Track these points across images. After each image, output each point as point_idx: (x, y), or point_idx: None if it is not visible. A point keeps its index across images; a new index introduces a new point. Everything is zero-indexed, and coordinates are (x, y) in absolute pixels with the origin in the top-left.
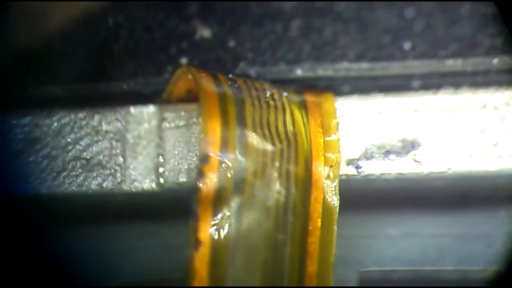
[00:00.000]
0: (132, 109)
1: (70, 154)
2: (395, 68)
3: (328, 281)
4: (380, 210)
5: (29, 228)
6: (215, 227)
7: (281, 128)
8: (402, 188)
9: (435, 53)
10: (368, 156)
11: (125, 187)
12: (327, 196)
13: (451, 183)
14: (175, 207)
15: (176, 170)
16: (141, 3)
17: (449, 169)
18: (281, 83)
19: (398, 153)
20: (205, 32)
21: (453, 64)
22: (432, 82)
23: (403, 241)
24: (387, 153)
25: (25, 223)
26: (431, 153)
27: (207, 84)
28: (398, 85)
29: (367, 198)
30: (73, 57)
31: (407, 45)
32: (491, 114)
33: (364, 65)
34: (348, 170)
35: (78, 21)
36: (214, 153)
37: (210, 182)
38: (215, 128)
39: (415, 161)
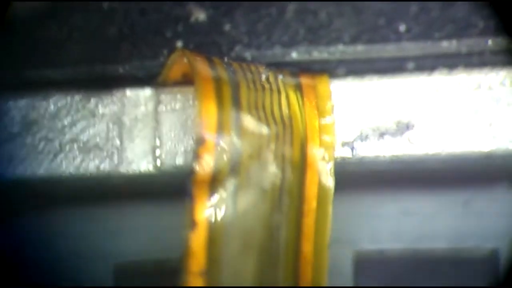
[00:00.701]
0: (128, 92)
1: (67, 136)
2: (390, 50)
3: (323, 260)
4: (375, 191)
5: (27, 210)
6: (211, 208)
7: (276, 111)
8: (397, 169)
9: (430, 34)
10: (363, 138)
11: (122, 169)
12: (322, 178)
13: (446, 163)
14: (172, 189)
15: (173, 152)
16: None
17: (443, 150)
18: (277, 66)
19: (393, 135)
20: (200, 15)
21: (447, 45)
22: (426, 64)
23: (398, 220)
24: (382, 134)
25: (22, 205)
26: (425, 134)
27: (202, 67)
28: (393, 67)
29: (362, 180)
30: (68, 40)
31: (402, 27)
32: (485, 94)
33: (359, 47)
34: (343, 152)
35: (73, 5)
36: (210, 136)
37: (206, 164)
38: (211, 111)
39: (410, 142)
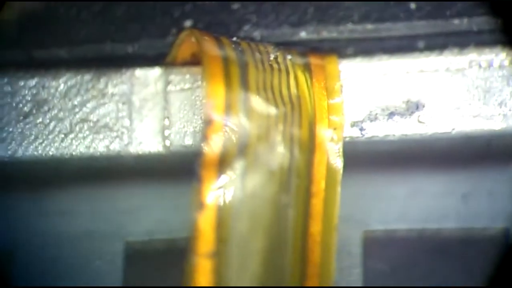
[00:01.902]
0: (138, 72)
1: (77, 116)
2: (400, 28)
3: (331, 241)
4: (384, 171)
5: (37, 189)
6: (219, 190)
7: (284, 91)
8: (406, 149)
9: (441, 12)
10: (372, 117)
11: (132, 149)
12: (330, 158)
13: (456, 143)
14: (181, 169)
15: (182, 132)
16: None
17: (453, 129)
18: (285, 45)
19: (402, 114)
20: None
21: (458, 23)
22: (437, 42)
23: (407, 201)
24: (391, 114)
25: (33, 184)
26: (435, 114)
27: (211, 47)
28: (403, 46)
29: (371, 160)
30: (77, 20)
31: (412, 5)
32: (496, 73)
33: (369, 26)
34: (352, 132)
35: None
36: (218, 117)
37: (214, 145)
38: (219, 91)
39: (420, 122)
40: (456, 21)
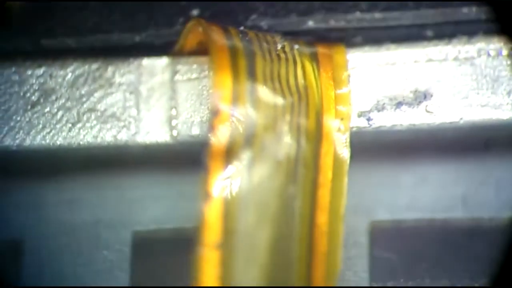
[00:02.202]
0: (145, 61)
1: (84, 105)
2: (408, 17)
3: (338, 231)
4: (391, 161)
5: (45, 178)
6: (226, 180)
7: (292, 81)
8: (414, 139)
9: (449, 1)
10: (379, 107)
11: (139, 139)
12: (337, 148)
13: (464, 132)
14: (188, 159)
15: (189, 122)
16: None
17: (461, 118)
18: (293, 34)
19: (410, 104)
20: None
21: (467, 11)
22: (446, 31)
23: (415, 190)
24: (399, 104)
25: (41, 173)
26: (443, 103)
27: (218, 37)
28: (411, 34)
29: (379, 149)
30: (84, 9)
31: None
32: (505, 62)
33: (377, 15)
34: (359, 122)
35: None
36: (225, 107)
37: (221, 135)
38: (226, 81)
39: (427, 111)
40: (464, 10)
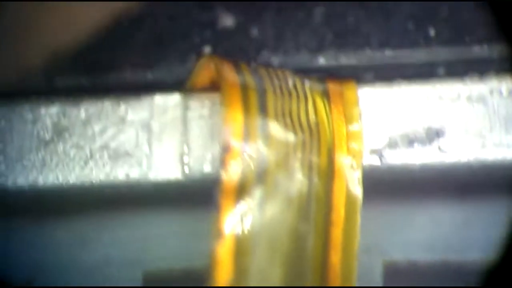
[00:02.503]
0: (157, 98)
1: (97, 143)
2: (420, 55)
3: (352, 270)
4: (404, 199)
5: (58, 216)
6: (238, 217)
7: (303, 118)
8: (427, 177)
9: (461, 39)
10: (391, 145)
11: (151, 176)
12: (350, 186)
13: (478, 171)
14: (200, 196)
15: (201, 159)
16: None
17: (475, 158)
18: (304, 71)
19: (422, 142)
20: (228, 21)
21: (479, 50)
22: (457, 69)
23: (429, 230)
24: (411, 142)
25: (54, 212)
26: (456, 142)
27: (229, 73)
28: (423, 72)
29: (392, 188)
30: (98, 47)
31: (431, 32)
32: None
33: (388, 52)
34: (372, 160)
35: (104, 13)
36: (236, 143)
37: (233, 172)
38: (237, 118)
39: (440, 150)
40: (476, 48)
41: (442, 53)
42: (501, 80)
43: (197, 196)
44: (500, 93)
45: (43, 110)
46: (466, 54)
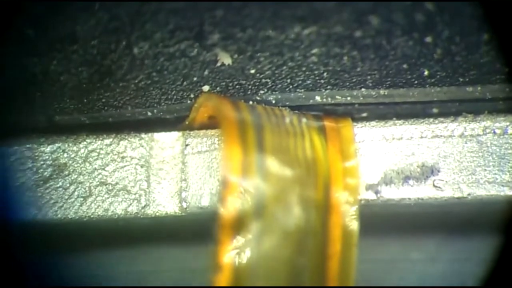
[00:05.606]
0: (156, 135)
1: (96, 179)
2: (414, 94)
3: None
4: (400, 235)
5: (57, 252)
6: (235, 251)
7: (300, 154)
8: (422, 213)
9: (454, 79)
10: (387, 181)
11: (149, 211)
12: (346, 220)
13: (472, 208)
14: (198, 230)
15: (199, 194)
16: (165, 32)
17: (469, 194)
18: (300, 109)
19: (417, 179)
20: (226, 60)
21: (472, 90)
22: (451, 108)
23: (424, 266)
24: (407, 178)
25: (53, 247)
26: (451, 179)
27: (228, 111)
28: (417, 111)
29: (387, 223)
30: (99, 85)
31: (425, 72)
32: (511, 140)
33: (382, 91)
34: (368, 195)
35: (103, 50)
36: (234, 179)
37: (231, 207)
38: (236, 154)
39: (435, 186)
40: (469, 88)
41: (435, 93)
42: (494, 120)
43: (195, 231)
44: (494, 132)
45: (42, 148)
46: (458, 94)
